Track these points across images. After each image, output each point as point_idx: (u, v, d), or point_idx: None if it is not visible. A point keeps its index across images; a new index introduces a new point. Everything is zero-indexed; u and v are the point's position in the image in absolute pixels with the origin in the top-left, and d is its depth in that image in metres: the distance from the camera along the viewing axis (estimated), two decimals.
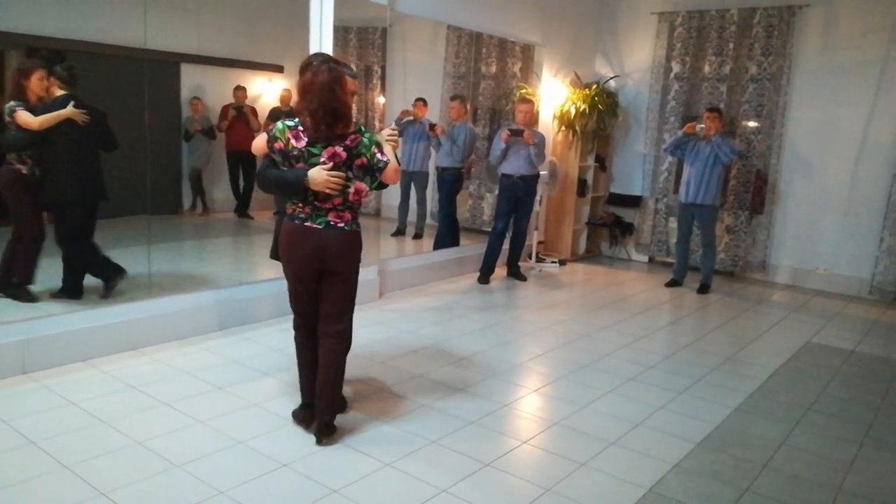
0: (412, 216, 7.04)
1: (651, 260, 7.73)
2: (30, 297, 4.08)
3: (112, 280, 4.29)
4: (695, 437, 3.34)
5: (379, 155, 2.97)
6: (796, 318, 5.73)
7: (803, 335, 5.22)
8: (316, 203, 2.95)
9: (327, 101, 2.82)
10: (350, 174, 2.95)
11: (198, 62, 6.89)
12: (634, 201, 7.75)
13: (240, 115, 7.27)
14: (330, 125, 2.86)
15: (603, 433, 3.33)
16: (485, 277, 6.36)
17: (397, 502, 2.64)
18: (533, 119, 6.37)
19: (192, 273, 5.59)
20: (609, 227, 7.86)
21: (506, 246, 6.56)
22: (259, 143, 3.01)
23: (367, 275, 5.43)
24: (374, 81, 6.97)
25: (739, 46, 6.91)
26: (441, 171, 6.55)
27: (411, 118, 6.46)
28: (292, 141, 2.91)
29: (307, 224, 2.96)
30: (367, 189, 3.03)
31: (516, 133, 6.07)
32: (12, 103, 3.91)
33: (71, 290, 4.24)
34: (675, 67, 7.28)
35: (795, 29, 6.63)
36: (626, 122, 7.80)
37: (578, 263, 7.55)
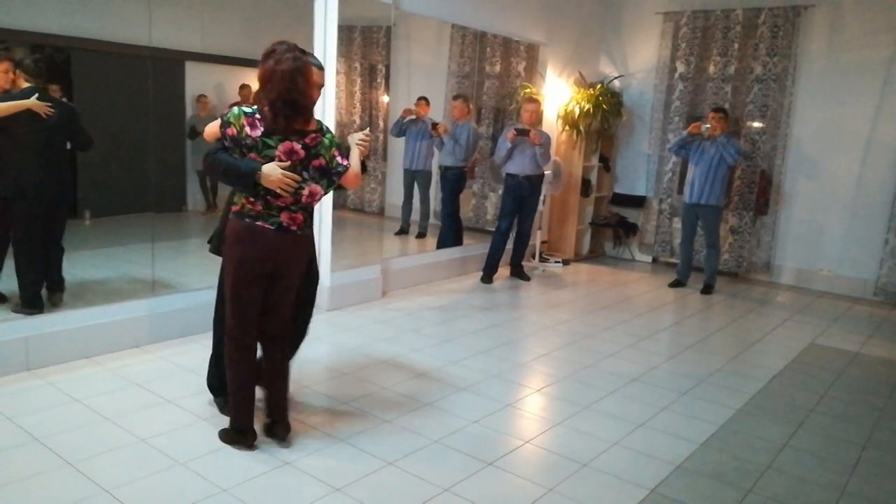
0: (415, 215, 7.04)
1: (655, 260, 7.72)
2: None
3: (24, 307, 3.87)
4: (698, 438, 3.34)
5: (339, 158, 2.82)
6: (800, 319, 5.72)
7: (807, 336, 5.20)
8: (268, 198, 2.74)
9: (287, 91, 2.63)
10: (305, 175, 2.78)
11: (203, 60, 6.90)
12: (638, 201, 7.74)
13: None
14: (288, 118, 2.68)
15: (606, 433, 3.32)
16: (488, 277, 6.36)
17: (400, 501, 2.64)
18: (539, 119, 6.35)
19: (195, 270, 5.60)
20: (613, 227, 7.84)
21: (509, 245, 6.55)
22: (212, 129, 2.78)
23: (370, 273, 5.44)
24: (379, 80, 6.97)
25: (744, 47, 6.89)
26: (444, 171, 6.55)
27: (413, 117, 6.46)
28: (247, 129, 2.70)
29: (258, 223, 2.76)
30: (322, 192, 2.85)
31: (522, 133, 6.06)
32: None
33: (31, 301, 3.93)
34: (680, 67, 7.27)
35: (801, 29, 6.61)
36: (630, 122, 7.78)
37: (582, 263, 7.54)
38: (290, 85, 2.64)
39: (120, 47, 4.94)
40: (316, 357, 4.13)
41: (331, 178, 2.85)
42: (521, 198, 6.28)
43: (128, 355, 3.92)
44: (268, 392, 3.01)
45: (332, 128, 4.95)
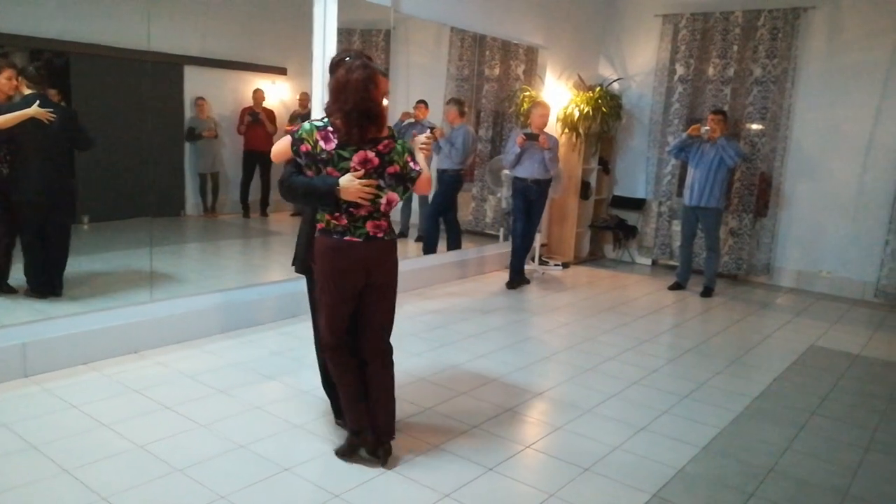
0: (414, 218, 7.03)
1: (654, 263, 7.71)
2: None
3: (34, 292, 4.21)
4: (699, 441, 3.32)
5: (412, 164, 2.78)
6: (800, 321, 5.71)
7: (808, 339, 5.19)
8: (351, 210, 2.71)
9: (361, 101, 2.60)
10: (381, 183, 2.72)
11: (201, 64, 6.90)
12: (638, 204, 7.73)
13: (255, 122, 7.32)
14: (363, 127, 2.64)
15: (607, 437, 3.31)
16: (513, 283, 6.33)
17: None
18: (547, 122, 6.31)
19: (193, 275, 5.59)
20: (612, 229, 7.84)
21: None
22: (281, 149, 2.75)
23: None
24: None
25: (744, 49, 6.89)
26: (441, 174, 6.54)
27: (413, 120, 6.45)
28: (321, 143, 2.67)
29: (346, 238, 2.73)
30: (399, 199, 2.79)
31: (532, 137, 6.02)
32: None
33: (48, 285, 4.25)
34: (679, 70, 7.26)
35: (800, 31, 6.61)
36: (629, 125, 7.78)
37: (581, 266, 7.53)
38: (364, 94, 2.61)
39: (118, 52, 4.94)
40: (311, 363, 4.10)
41: (405, 183, 2.80)
42: (530, 201, 6.24)
43: (126, 361, 3.91)
44: (376, 407, 2.92)
45: None
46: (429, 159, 2.90)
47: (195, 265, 6.12)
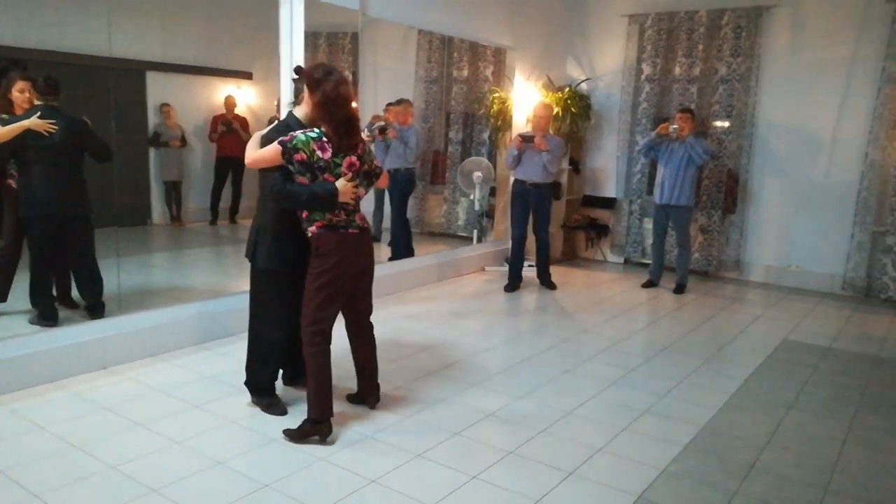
0: (386, 222, 6.97)
1: (626, 261, 7.76)
2: None
3: (41, 320, 4.07)
4: (681, 439, 3.33)
5: (376, 162, 3.23)
6: (772, 315, 5.79)
7: (780, 333, 5.26)
8: (345, 207, 3.09)
9: (351, 110, 2.98)
10: (357, 181, 3.10)
11: (164, 70, 6.75)
12: (609, 203, 7.78)
13: (229, 131, 7.19)
14: (349, 136, 3.01)
15: (589, 440, 3.30)
16: (512, 286, 6.28)
17: None
18: (549, 123, 6.25)
19: (163, 286, 5.46)
20: (584, 229, 7.87)
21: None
22: (268, 157, 3.01)
23: None
24: None
25: (709, 48, 6.97)
26: (393, 173, 6.50)
27: (383, 123, 6.39)
28: (318, 153, 2.97)
29: (350, 231, 3.12)
30: (365, 193, 3.20)
31: (527, 139, 5.96)
32: None
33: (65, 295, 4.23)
34: (646, 69, 7.33)
35: (763, 30, 6.71)
36: (598, 125, 7.82)
37: (555, 266, 7.51)
38: (349, 107, 2.98)
39: (78, 58, 4.79)
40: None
41: (371, 179, 3.21)
42: (530, 205, 6.15)
43: (95, 377, 3.78)
44: (367, 367, 3.49)
45: None
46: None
47: (164, 275, 5.98)
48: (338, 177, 3.02)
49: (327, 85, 2.92)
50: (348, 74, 6.44)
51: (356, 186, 3.08)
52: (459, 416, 3.51)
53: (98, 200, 4.89)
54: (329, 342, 3.20)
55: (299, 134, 2.98)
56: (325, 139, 2.98)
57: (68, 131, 3.98)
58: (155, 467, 2.87)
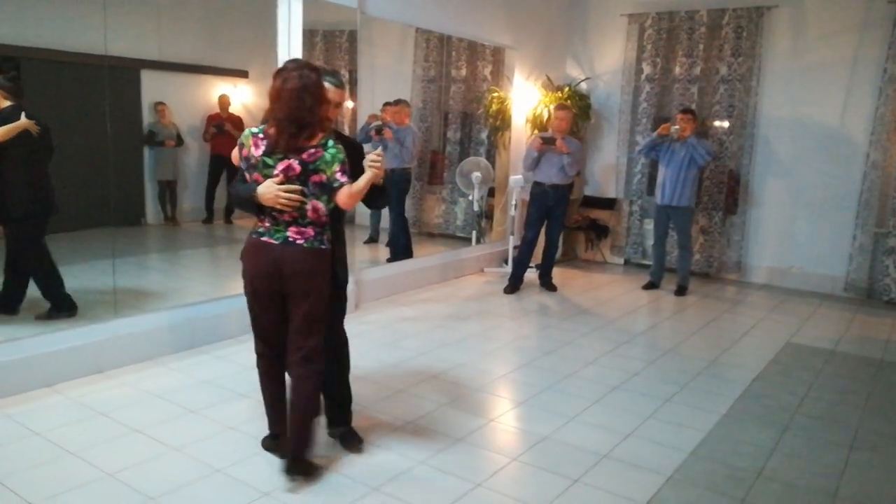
0: (384, 223, 6.92)
1: (627, 262, 7.72)
2: None
3: (60, 312, 4.10)
4: (686, 446, 3.28)
5: (338, 174, 2.69)
6: (774, 318, 5.75)
7: (782, 336, 5.22)
8: (274, 215, 2.73)
9: (293, 110, 2.63)
10: (306, 190, 2.70)
11: (159, 68, 6.68)
12: (609, 203, 7.73)
13: (220, 132, 7.13)
14: (293, 136, 2.65)
15: (594, 446, 3.25)
16: (512, 287, 6.23)
17: None
18: (570, 126, 6.19)
19: (158, 288, 5.39)
20: (584, 230, 7.82)
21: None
22: (234, 153, 2.86)
23: None
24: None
25: (709, 48, 6.93)
26: (389, 173, 6.43)
27: (380, 123, 6.34)
28: (252, 149, 2.72)
29: (264, 239, 2.76)
30: (324, 208, 2.74)
31: (548, 141, 5.91)
32: None
33: (8, 305, 4.09)
34: (646, 69, 7.28)
35: (764, 30, 6.67)
36: (598, 125, 7.78)
37: (555, 267, 7.47)
38: (296, 104, 2.63)
39: (71, 56, 4.72)
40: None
41: (329, 193, 2.74)
42: (547, 207, 6.11)
43: (90, 382, 3.71)
44: (289, 413, 2.84)
45: None
46: (379, 179, 2.78)
47: (159, 277, 5.91)
48: (268, 178, 2.69)
49: (277, 79, 2.67)
50: (344, 73, 6.38)
51: (305, 196, 2.69)
52: (461, 422, 3.46)
53: (92, 200, 4.83)
54: (266, 359, 2.90)
55: (247, 129, 2.78)
56: (261, 135, 2.71)
57: (43, 132, 4.00)
58: (152, 475, 2.81)
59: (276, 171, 2.68)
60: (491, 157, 7.33)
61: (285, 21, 4.73)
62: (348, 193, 2.71)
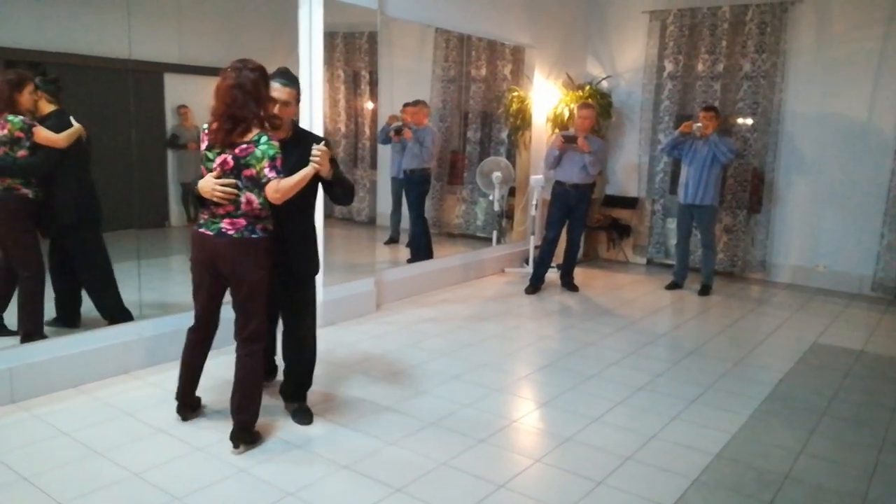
0: (405, 223, 6.92)
1: (649, 262, 7.65)
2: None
3: (121, 315, 4.05)
4: (712, 448, 3.25)
5: (266, 170, 2.85)
6: (800, 318, 5.66)
7: (809, 336, 5.14)
8: (212, 208, 2.95)
9: (227, 106, 2.81)
10: (239, 183, 2.90)
11: (181, 71, 6.73)
12: (631, 202, 7.67)
13: None
14: (227, 131, 2.84)
15: (618, 448, 3.22)
16: (533, 287, 6.21)
17: None
18: (593, 125, 6.16)
19: (183, 290, 5.42)
20: (606, 229, 7.77)
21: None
22: None
23: (363, 286, 5.31)
24: (363, 87, 6.85)
25: (732, 44, 6.85)
26: (409, 173, 6.47)
27: (400, 124, 6.34)
28: (201, 144, 2.99)
29: (201, 230, 3.00)
30: (257, 201, 2.92)
31: (570, 140, 5.89)
32: (20, 118, 3.58)
33: (68, 317, 4.01)
34: (668, 66, 7.21)
35: (788, 25, 6.57)
36: (619, 123, 7.72)
37: (576, 267, 7.43)
38: (229, 100, 2.81)
39: (96, 60, 4.78)
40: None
41: (259, 188, 2.91)
42: (569, 206, 6.08)
43: (117, 382, 3.76)
44: (233, 389, 3.09)
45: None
46: (329, 173, 3.00)
47: (184, 278, 5.93)
48: (210, 171, 2.93)
49: (219, 77, 2.85)
50: (364, 75, 6.40)
51: (238, 189, 2.88)
52: (485, 421, 3.45)
53: (117, 202, 4.89)
54: (194, 331, 3.26)
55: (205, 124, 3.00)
56: (205, 131, 2.95)
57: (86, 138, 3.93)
58: (178, 474, 2.83)
59: (214, 166, 2.91)
60: (511, 157, 7.31)
61: (306, 23, 4.76)
62: (274, 188, 2.85)
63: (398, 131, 6.22)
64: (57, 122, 3.71)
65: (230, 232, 2.93)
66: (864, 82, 6.32)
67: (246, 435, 3.06)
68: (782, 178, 6.80)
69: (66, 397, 3.55)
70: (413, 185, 6.49)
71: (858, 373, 4.39)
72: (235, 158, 2.87)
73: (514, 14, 6.77)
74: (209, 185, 2.88)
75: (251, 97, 2.83)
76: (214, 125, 2.87)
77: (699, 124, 6.04)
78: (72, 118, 3.78)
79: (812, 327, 5.37)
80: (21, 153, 3.62)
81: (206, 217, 3.00)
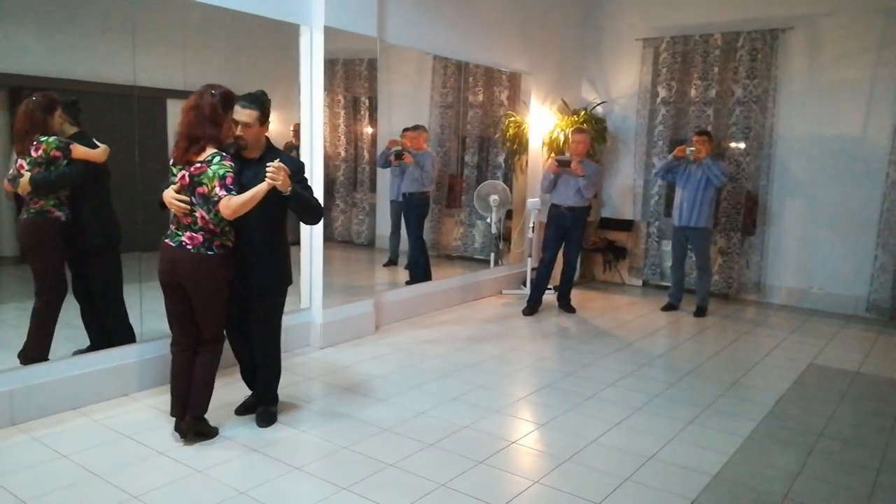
0: (403, 245, 6.96)
1: (645, 284, 7.70)
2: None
3: (129, 335, 4.05)
4: (710, 469, 3.26)
5: (217, 188, 3.05)
6: (796, 339, 5.70)
7: (805, 357, 5.17)
8: (177, 219, 3.20)
9: (185, 126, 3.08)
10: (193, 200, 3.13)
11: (184, 97, 6.81)
12: (626, 225, 7.74)
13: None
14: (184, 150, 3.09)
15: (616, 469, 3.23)
16: (530, 309, 6.26)
17: None
18: (587, 149, 6.25)
19: None
20: (602, 251, 7.82)
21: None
22: None
23: (362, 308, 5.34)
24: (362, 112, 6.93)
25: (724, 70, 6.97)
26: (409, 197, 6.54)
27: (399, 148, 6.42)
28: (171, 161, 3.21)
29: (166, 241, 3.23)
30: (209, 218, 3.14)
31: (563, 164, 5.99)
32: (55, 138, 3.62)
33: (108, 338, 3.97)
34: (662, 92, 7.33)
35: (779, 52, 6.70)
36: (614, 147, 7.82)
37: (573, 289, 7.47)
38: (188, 120, 3.09)
39: (101, 87, 4.85)
40: (309, 398, 4.01)
41: (209, 205, 3.12)
42: (564, 229, 6.16)
43: (116, 405, 3.77)
44: (191, 390, 3.31)
45: (317, 161, 4.88)
46: (287, 188, 3.14)
47: None
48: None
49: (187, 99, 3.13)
50: (364, 101, 6.49)
51: (192, 205, 3.13)
52: (484, 443, 3.46)
53: (122, 226, 4.93)
54: (176, 347, 3.35)
55: None
56: (173, 150, 3.19)
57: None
58: (178, 497, 2.84)
59: (176, 180, 3.15)
60: (508, 181, 7.38)
61: (307, 51, 4.85)
62: (224, 205, 3.05)
63: (399, 155, 6.30)
64: (82, 143, 3.75)
65: (188, 246, 3.16)
66: (855, 107, 6.42)
67: (199, 427, 3.32)
68: (776, 201, 6.88)
69: (66, 419, 3.56)
70: (412, 208, 6.56)
71: (855, 394, 4.41)
72: (191, 176, 3.11)
73: (511, 41, 6.89)
74: (167, 196, 3.15)
75: (207, 119, 3.08)
76: (177, 144, 3.13)
77: (692, 148, 6.13)
78: (94, 140, 3.82)
79: (808, 348, 5.41)
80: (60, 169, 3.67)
81: (172, 228, 3.23)
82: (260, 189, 3.09)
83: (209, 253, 3.18)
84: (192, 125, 3.08)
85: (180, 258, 3.17)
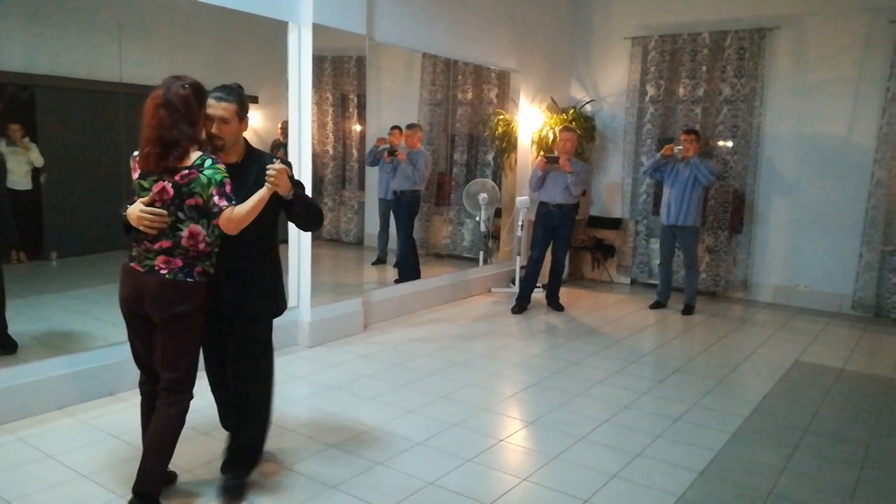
0: (392, 244, 6.96)
1: (633, 282, 7.73)
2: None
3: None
4: (696, 465, 3.28)
5: (216, 198, 2.49)
6: (782, 336, 5.74)
7: (791, 354, 5.22)
8: (146, 242, 2.57)
9: (153, 128, 2.46)
10: (181, 215, 2.53)
11: None
12: (615, 223, 7.77)
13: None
14: (160, 156, 2.47)
15: (604, 466, 3.25)
16: (519, 307, 6.27)
17: None
18: (575, 147, 6.28)
19: None
20: (590, 250, 7.85)
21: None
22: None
23: (351, 307, 5.33)
24: (351, 110, 6.91)
25: (712, 69, 7.00)
26: (399, 194, 6.55)
27: (387, 146, 6.42)
28: (133, 173, 2.58)
29: (132, 265, 2.60)
30: (204, 233, 2.57)
31: (552, 161, 6.02)
32: None
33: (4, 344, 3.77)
34: (650, 91, 7.35)
35: (766, 51, 6.74)
36: (603, 146, 7.84)
37: (561, 287, 7.49)
38: (157, 121, 2.47)
39: (87, 84, 4.81)
40: (298, 397, 4.01)
41: (207, 218, 2.58)
42: (553, 227, 6.19)
43: (102, 405, 3.75)
44: (144, 443, 2.70)
45: (306, 159, 4.86)
46: (289, 192, 2.64)
47: None
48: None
49: (147, 98, 2.49)
50: (353, 98, 6.47)
51: (180, 221, 2.54)
52: (472, 440, 3.47)
53: (105, 224, 4.89)
54: (145, 395, 2.82)
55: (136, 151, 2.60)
56: (136, 158, 2.56)
57: None
58: (164, 496, 2.82)
59: (152, 194, 2.53)
60: (497, 179, 7.39)
61: (295, 48, 4.83)
62: (227, 217, 2.49)
63: (392, 152, 6.30)
64: None
65: (163, 272, 2.54)
66: (841, 106, 6.48)
67: (149, 500, 2.64)
68: (762, 200, 6.93)
69: (51, 420, 3.53)
70: (403, 206, 6.56)
71: (839, 390, 4.46)
72: (176, 186, 2.50)
73: (500, 40, 6.89)
74: (135, 211, 2.51)
75: (181, 117, 2.48)
76: (145, 150, 2.50)
77: (680, 147, 6.16)
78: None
79: (793, 346, 5.45)
80: None
81: (139, 250, 2.59)
82: (262, 195, 2.55)
83: (189, 280, 2.57)
84: (166, 125, 2.45)
85: (151, 284, 2.54)
